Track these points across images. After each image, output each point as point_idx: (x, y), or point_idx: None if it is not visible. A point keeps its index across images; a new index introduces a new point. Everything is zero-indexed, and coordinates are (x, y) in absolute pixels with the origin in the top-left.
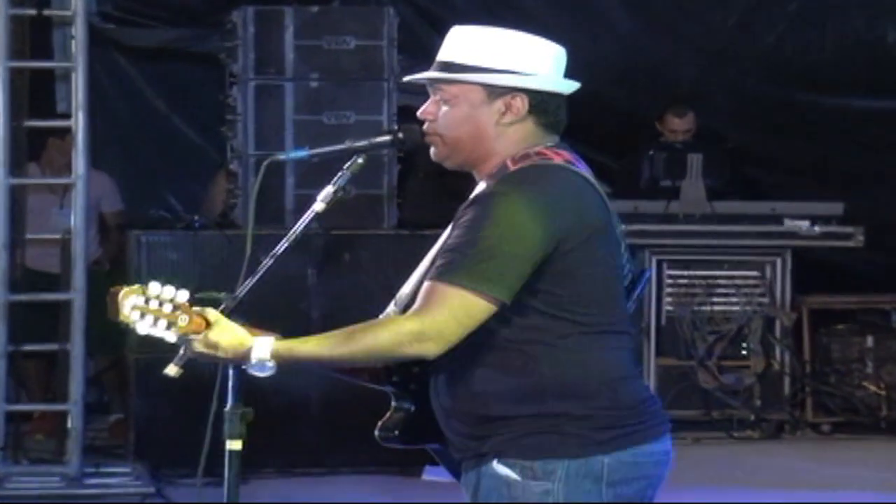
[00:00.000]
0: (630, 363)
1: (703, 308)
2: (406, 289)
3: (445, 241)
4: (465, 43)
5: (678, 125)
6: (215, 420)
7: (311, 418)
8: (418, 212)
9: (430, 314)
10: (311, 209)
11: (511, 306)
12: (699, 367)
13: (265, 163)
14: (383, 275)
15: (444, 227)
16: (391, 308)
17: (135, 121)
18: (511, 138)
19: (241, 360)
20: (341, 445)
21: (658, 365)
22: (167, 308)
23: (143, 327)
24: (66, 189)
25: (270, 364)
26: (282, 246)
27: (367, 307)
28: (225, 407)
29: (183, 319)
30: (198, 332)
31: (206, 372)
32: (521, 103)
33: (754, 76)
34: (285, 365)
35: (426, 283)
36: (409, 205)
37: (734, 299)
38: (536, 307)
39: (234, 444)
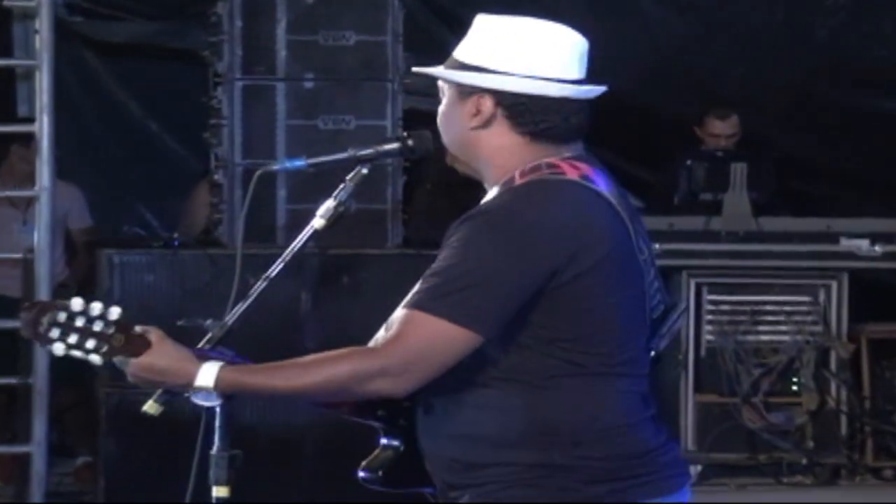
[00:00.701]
0: (637, 408)
1: (749, 338)
2: (398, 313)
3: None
4: (468, 35)
5: (720, 129)
6: (200, 464)
7: (304, 462)
8: (425, 229)
9: (399, 346)
10: (310, 226)
11: (497, 340)
12: (744, 405)
13: (257, 173)
14: (386, 299)
15: None
16: (381, 333)
17: (106, 126)
18: (493, 145)
19: (182, 388)
20: (337, 491)
21: (697, 402)
22: (97, 326)
23: (60, 348)
24: (30, 203)
25: (215, 394)
26: (276, 267)
27: (367, 336)
28: (210, 449)
29: (118, 339)
30: (136, 355)
31: (189, 409)
32: (488, 105)
33: (805, 76)
34: (234, 395)
35: (400, 311)
36: (416, 221)
37: (783, 328)
38: (525, 343)
39: (222, 491)
